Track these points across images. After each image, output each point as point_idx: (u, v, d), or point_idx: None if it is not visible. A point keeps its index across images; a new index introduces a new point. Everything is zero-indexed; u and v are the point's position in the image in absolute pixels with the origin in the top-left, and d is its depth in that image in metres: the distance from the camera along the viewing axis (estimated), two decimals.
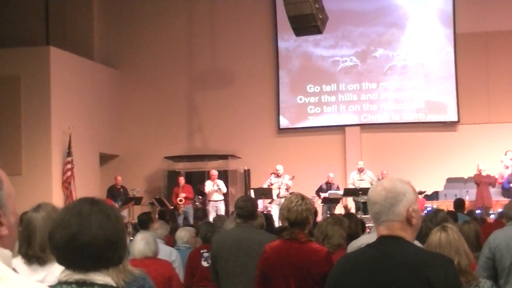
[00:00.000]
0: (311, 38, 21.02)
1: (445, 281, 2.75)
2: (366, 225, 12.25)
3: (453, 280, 2.81)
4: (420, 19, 21.76)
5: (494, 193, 18.23)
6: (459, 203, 12.94)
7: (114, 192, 19.29)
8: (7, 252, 1.68)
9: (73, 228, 2.42)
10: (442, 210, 7.92)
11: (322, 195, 18.70)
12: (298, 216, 5.09)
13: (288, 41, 22.37)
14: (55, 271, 2.53)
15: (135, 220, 18.28)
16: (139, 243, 6.19)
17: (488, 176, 18.19)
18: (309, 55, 22.53)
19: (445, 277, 2.77)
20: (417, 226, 2.96)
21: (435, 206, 15.48)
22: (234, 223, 8.17)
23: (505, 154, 18.92)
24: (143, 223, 9.48)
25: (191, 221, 18.77)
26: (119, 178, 19.73)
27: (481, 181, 18.00)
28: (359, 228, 7.83)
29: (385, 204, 2.89)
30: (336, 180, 19.55)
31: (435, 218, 6.38)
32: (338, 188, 19.02)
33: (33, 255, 3.81)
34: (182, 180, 19.91)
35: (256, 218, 6.39)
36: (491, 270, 5.22)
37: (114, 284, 2.48)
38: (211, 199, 19.29)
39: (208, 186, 19.30)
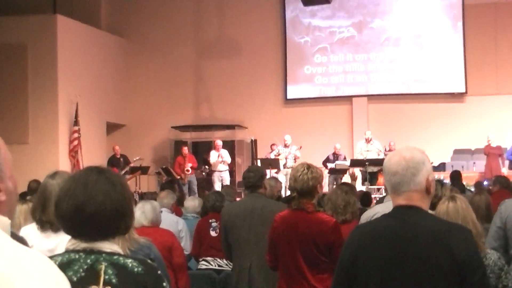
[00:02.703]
0: (308, 8, 20.97)
1: (466, 251, 2.74)
2: (372, 196, 12.26)
3: (474, 250, 2.80)
4: None
5: (503, 165, 18.19)
6: (455, 175, 12.93)
7: (114, 162, 19.24)
8: (5, 220, 1.61)
9: (79, 198, 2.40)
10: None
11: (329, 165, 18.68)
12: (304, 185, 5.05)
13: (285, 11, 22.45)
14: (68, 238, 2.51)
15: (141, 190, 18.41)
16: (136, 212, 6.19)
17: (498, 148, 18.14)
18: (312, 25, 22.41)
19: (466, 247, 2.75)
20: (433, 195, 2.95)
21: (441, 177, 15.45)
22: None
23: None
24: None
25: (195, 190, 18.78)
26: (117, 147, 19.71)
27: (490, 152, 17.97)
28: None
29: (406, 174, 2.85)
30: (343, 151, 19.53)
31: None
32: (345, 159, 18.99)
33: (47, 221, 3.79)
34: (185, 149, 19.76)
35: (261, 188, 6.33)
36: (502, 240, 5.18)
37: (122, 252, 2.48)
38: (216, 170, 19.24)
39: (213, 157, 19.18)
